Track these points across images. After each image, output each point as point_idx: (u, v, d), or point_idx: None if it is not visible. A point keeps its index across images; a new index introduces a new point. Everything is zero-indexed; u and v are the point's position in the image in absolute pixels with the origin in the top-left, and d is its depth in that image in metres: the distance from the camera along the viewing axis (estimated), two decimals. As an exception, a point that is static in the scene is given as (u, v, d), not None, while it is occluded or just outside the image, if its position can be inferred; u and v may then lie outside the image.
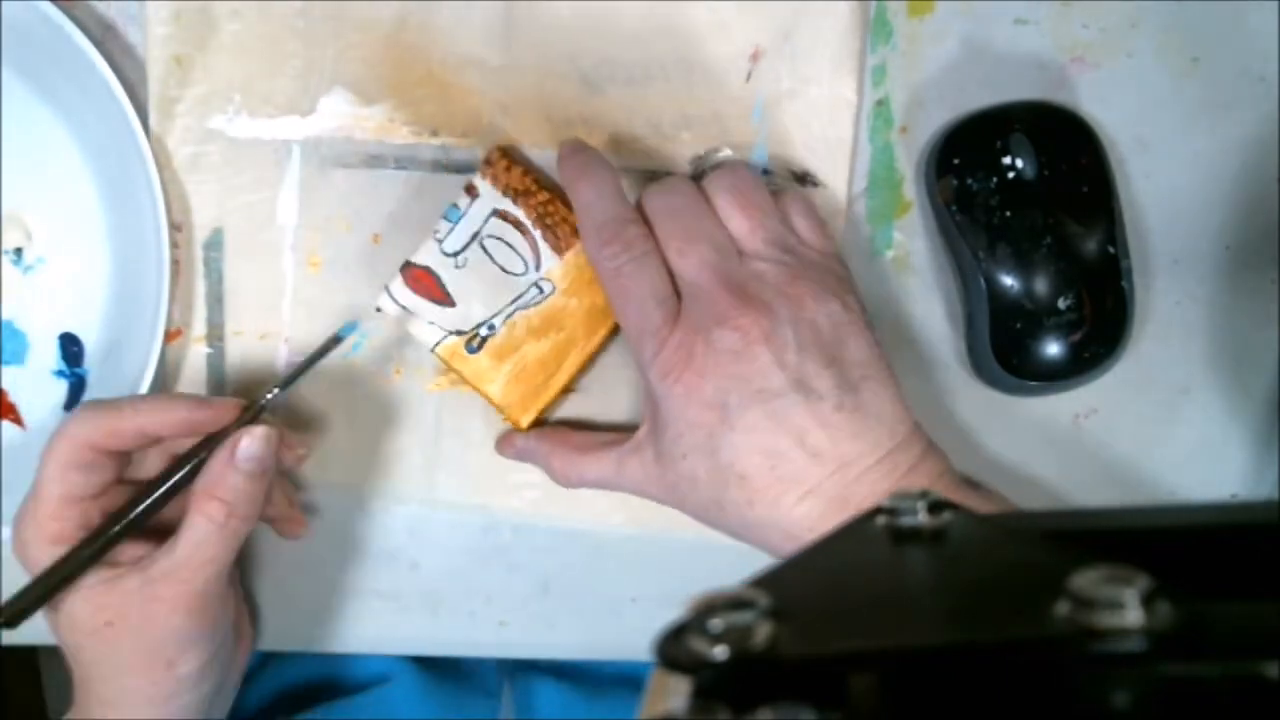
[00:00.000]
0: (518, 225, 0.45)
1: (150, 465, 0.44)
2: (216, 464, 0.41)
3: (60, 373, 0.49)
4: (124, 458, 0.43)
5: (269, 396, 0.44)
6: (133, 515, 0.42)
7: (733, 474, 0.40)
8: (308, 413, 0.48)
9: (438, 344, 0.45)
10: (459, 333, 0.45)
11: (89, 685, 0.43)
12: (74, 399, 0.49)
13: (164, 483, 0.42)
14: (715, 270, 0.40)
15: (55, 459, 0.41)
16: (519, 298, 0.45)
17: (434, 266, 0.45)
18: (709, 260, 0.40)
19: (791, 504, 0.39)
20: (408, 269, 0.45)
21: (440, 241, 0.45)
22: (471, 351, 0.46)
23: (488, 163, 0.45)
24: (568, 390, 0.47)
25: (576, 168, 0.42)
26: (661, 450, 0.41)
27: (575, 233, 0.44)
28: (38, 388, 0.49)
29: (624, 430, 0.45)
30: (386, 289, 0.45)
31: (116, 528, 0.42)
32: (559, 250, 0.45)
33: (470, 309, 0.45)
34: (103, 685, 0.42)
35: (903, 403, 0.41)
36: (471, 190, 0.45)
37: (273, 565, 0.49)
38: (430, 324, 0.45)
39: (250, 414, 0.43)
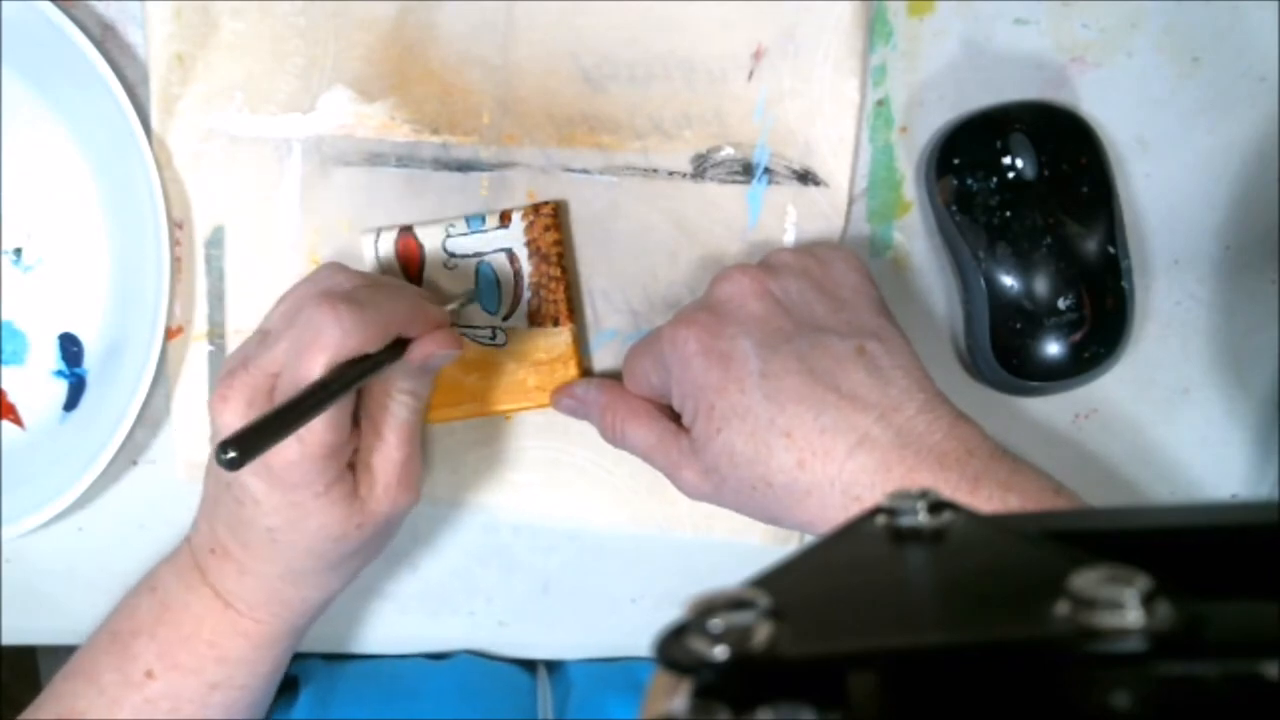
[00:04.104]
0: (517, 275, 0.46)
1: None
2: (404, 375, 0.41)
3: (60, 373, 0.49)
4: None
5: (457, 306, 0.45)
6: (353, 381, 0.39)
7: (775, 433, 0.38)
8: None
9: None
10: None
11: (301, 576, 0.43)
12: (74, 399, 0.49)
13: (379, 362, 0.40)
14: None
15: (314, 369, 0.38)
16: (473, 328, 0.46)
17: (427, 249, 0.46)
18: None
19: (844, 455, 0.38)
20: (405, 233, 0.46)
21: (449, 235, 0.46)
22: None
23: (536, 210, 0.46)
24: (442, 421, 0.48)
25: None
26: (696, 438, 0.40)
27: (554, 321, 0.46)
28: (37, 388, 0.49)
29: None
30: (379, 233, 0.46)
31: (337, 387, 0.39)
32: (532, 319, 0.46)
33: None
34: (318, 575, 0.43)
35: (921, 363, 0.41)
36: (505, 219, 0.46)
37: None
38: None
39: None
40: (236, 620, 0.44)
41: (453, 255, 0.46)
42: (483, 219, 0.46)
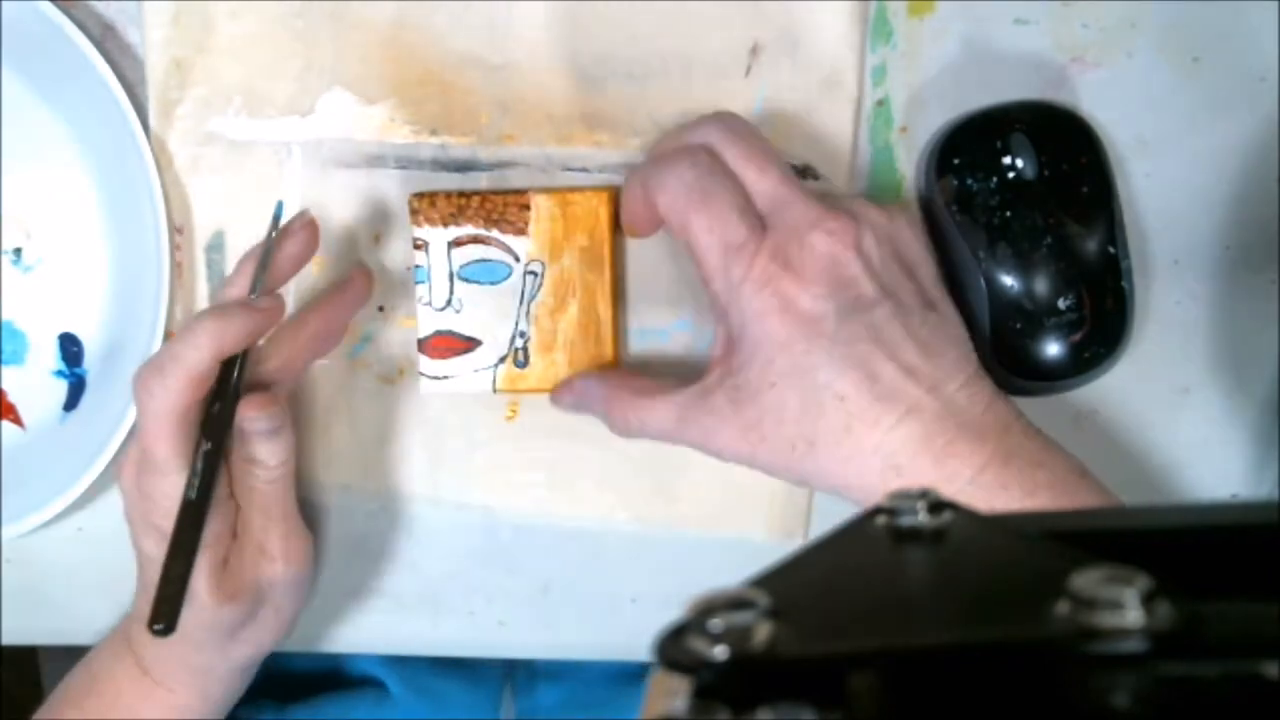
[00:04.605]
0: (475, 240, 0.45)
1: None
2: (241, 443, 0.42)
3: (60, 373, 0.49)
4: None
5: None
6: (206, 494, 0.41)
7: (830, 395, 0.38)
8: (310, 411, 0.48)
9: (495, 382, 0.46)
10: (501, 360, 0.46)
11: (200, 644, 0.44)
12: (74, 399, 0.49)
13: (216, 450, 0.42)
14: (796, 183, 0.41)
15: (192, 367, 0.39)
16: (523, 294, 0.46)
17: (440, 327, 0.46)
18: (789, 175, 0.41)
19: (892, 424, 0.38)
20: (423, 344, 0.46)
21: (429, 304, 0.46)
22: (522, 366, 0.46)
23: (415, 212, 0.45)
24: (618, 330, 0.46)
25: (635, 169, 0.43)
26: (742, 385, 0.39)
27: (523, 209, 0.45)
28: (37, 388, 0.49)
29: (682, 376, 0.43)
30: (421, 374, 0.46)
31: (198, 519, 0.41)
32: (521, 232, 0.45)
33: (495, 335, 0.46)
34: (215, 641, 0.44)
35: (968, 335, 0.42)
36: (420, 245, 0.45)
37: (273, 565, 0.49)
38: (476, 372, 0.46)
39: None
40: (153, 689, 0.45)
41: (448, 304, 0.46)
42: (420, 266, 0.45)
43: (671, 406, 0.41)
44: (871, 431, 0.38)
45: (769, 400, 0.39)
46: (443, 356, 0.46)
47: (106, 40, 0.46)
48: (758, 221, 0.40)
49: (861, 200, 0.43)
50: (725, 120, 0.42)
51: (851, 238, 0.39)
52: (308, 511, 0.48)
